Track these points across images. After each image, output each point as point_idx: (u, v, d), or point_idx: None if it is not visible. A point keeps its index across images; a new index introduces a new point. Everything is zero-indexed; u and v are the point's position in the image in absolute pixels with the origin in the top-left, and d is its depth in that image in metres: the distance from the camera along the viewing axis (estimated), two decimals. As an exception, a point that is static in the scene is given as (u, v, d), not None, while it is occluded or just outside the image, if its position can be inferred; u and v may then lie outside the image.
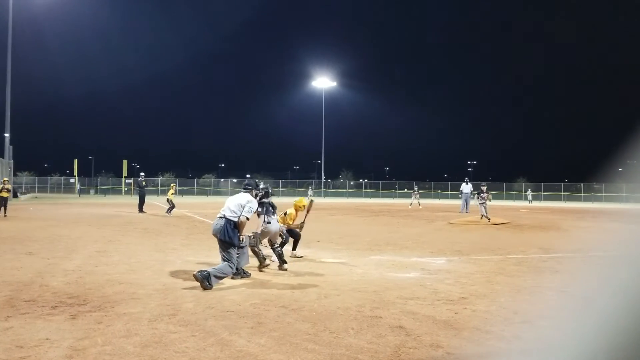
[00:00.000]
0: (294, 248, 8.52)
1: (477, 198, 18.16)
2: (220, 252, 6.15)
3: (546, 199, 59.72)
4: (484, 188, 17.92)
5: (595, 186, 59.67)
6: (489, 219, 16.82)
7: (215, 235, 6.18)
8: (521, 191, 61.09)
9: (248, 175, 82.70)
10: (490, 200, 18.08)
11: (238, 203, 6.26)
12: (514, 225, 16.69)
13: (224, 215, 6.18)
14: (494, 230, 14.81)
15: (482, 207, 17.39)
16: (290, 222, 8.33)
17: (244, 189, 6.58)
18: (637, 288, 0.76)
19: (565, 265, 8.01)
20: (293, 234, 8.38)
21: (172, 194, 20.88)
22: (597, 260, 8.62)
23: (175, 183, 25.70)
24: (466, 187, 24.66)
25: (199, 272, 5.74)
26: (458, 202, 24.80)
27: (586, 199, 57.27)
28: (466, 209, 24.08)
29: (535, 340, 4.00)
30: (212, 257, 8.36)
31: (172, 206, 20.19)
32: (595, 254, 9.22)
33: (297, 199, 8.88)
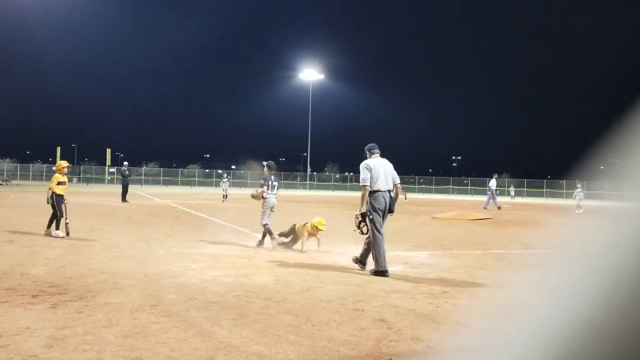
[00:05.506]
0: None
1: None
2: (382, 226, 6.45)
3: (528, 195, 60.49)
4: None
5: (577, 183, 60.43)
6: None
7: (384, 210, 6.44)
8: (504, 187, 61.74)
9: (233, 167, 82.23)
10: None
11: (389, 172, 6.58)
12: (496, 221, 16.89)
13: (387, 189, 6.47)
14: (476, 225, 14.98)
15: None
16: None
17: (377, 151, 6.71)
18: (609, 282, 0.79)
19: (546, 261, 8.13)
20: None
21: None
22: (576, 257, 8.75)
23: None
24: (493, 183, 25.07)
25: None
26: (442, 197, 25.09)
27: (568, 196, 58.08)
28: (494, 203, 24.67)
29: (515, 334, 4.06)
30: (195, 247, 8.32)
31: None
32: (575, 251, 9.36)
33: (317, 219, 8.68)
